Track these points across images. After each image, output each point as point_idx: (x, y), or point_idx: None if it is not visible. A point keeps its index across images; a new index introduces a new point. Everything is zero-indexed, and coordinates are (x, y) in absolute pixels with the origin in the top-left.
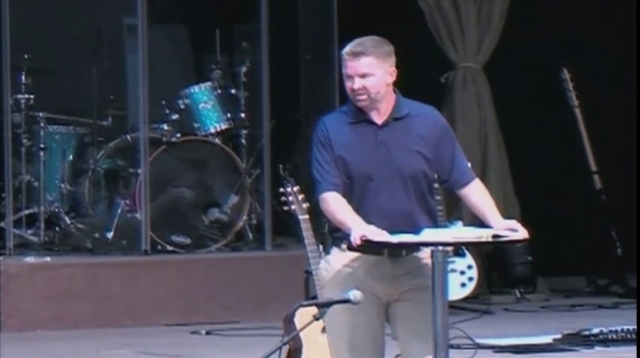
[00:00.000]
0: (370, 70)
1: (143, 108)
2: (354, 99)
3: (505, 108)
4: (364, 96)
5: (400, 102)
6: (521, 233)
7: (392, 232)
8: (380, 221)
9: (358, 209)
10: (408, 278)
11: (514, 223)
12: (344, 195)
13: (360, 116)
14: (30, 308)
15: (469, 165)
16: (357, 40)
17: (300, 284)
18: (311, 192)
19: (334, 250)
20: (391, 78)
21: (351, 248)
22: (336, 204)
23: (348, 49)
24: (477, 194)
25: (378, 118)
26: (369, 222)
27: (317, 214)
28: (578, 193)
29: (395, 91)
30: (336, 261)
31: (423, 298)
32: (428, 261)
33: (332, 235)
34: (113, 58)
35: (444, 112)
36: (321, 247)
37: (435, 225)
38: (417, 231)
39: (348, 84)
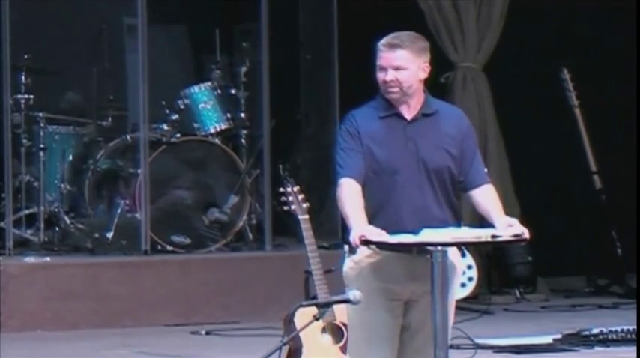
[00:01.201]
0: (404, 64)
1: (143, 108)
2: (385, 91)
3: (505, 108)
4: (396, 89)
5: (429, 100)
6: (519, 229)
7: (421, 228)
8: (410, 216)
9: (386, 203)
10: None
11: (514, 220)
12: (369, 189)
13: (390, 110)
14: (30, 308)
15: (486, 170)
16: (395, 34)
17: (300, 284)
18: (311, 192)
19: (361, 249)
20: (424, 74)
21: (380, 246)
22: (347, 195)
23: (384, 40)
24: (486, 194)
25: (408, 113)
26: (399, 216)
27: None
28: (578, 193)
29: (424, 89)
30: (363, 260)
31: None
32: (452, 258)
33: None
34: (113, 58)
35: None
36: (346, 247)
37: (459, 222)
38: (444, 227)
39: (380, 75)
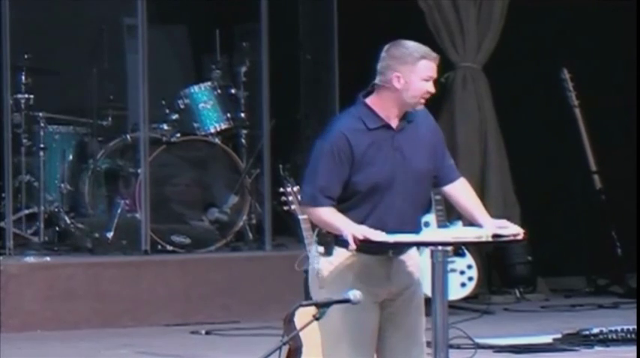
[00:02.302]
0: None
1: (143, 108)
2: (418, 101)
3: (505, 108)
4: (425, 100)
5: None
6: (514, 229)
7: (400, 229)
8: (394, 219)
9: (373, 211)
10: (412, 275)
11: (504, 222)
12: (358, 200)
13: (379, 122)
14: (30, 308)
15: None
16: (421, 45)
17: (300, 284)
18: None
19: (337, 250)
20: None
21: (358, 248)
22: (325, 212)
23: (429, 51)
24: (463, 191)
25: (395, 123)
26: (383, 223)
27: None
28: (578, 193)
29: None
30: (343, 262)
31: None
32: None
33: (335, 236)
34: (113, 58)
35: (444, 112)
36: (322, 249)
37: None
38: (418, 226)
39: (424, 86)
